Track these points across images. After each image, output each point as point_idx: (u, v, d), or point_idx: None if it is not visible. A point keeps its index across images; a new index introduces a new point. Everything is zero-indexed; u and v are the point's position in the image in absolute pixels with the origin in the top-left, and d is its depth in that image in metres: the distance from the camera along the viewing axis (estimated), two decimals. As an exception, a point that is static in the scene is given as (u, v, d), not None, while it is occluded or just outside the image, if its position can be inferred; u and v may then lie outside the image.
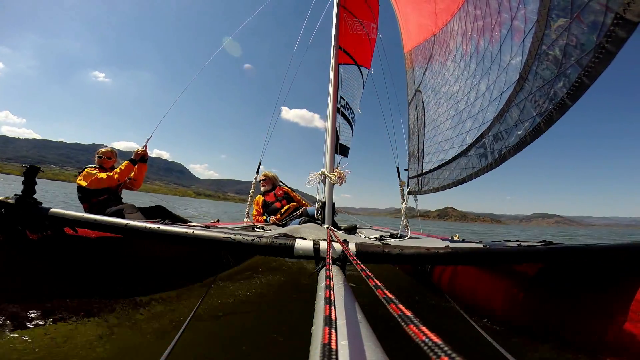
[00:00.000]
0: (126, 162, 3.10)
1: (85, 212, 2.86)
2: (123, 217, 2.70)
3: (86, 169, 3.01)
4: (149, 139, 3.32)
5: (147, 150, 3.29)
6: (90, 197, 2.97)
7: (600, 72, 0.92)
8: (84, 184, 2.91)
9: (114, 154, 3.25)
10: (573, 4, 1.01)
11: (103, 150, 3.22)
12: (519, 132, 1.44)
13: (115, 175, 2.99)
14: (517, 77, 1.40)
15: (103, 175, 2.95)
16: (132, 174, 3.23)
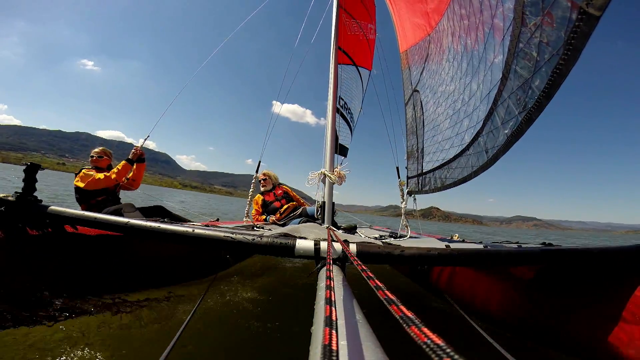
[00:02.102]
0: (123, 162, 3.06)
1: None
2: (122, 216, 2.69)
3: (83, 170, 2.98)
4: (145, 139, 3.27)
5: (138, 144, 3.24)
6: (88, 199, 2.94)
7: (569, 70, 0.90)
8: (81, 185, 2.88)
9: (106, 154, 3.21)
10: (544, 1, 0.99)
11: (96, 150, 3.16)
12: (506, 131, 1.42)
13: (113, 176, 2.95)
14: (500, 75, 1.38)
15: (100, 175, 2.92)
16: (130, 174, 3.20)
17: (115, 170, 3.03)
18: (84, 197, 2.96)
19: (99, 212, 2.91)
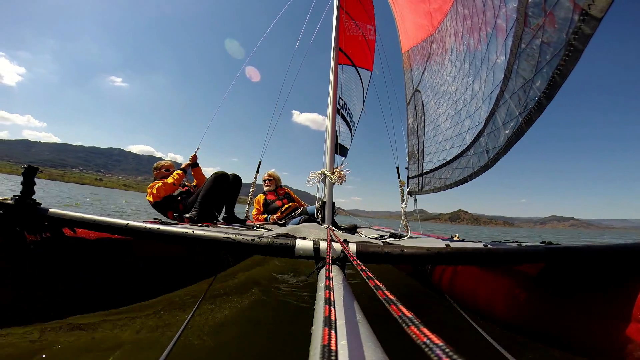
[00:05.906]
0: (177, 170, 3.42)
1: (171, 218, 3.21)
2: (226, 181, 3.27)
3: (149, 187, 3.24)
4: (197, 149, 3.76)
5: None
6: (165, 209, 3.21)
7: (570, 70, 0.91)
8: (150, 199, 3.16)
9: (172, 166, 3.54)
10: (546, 1, 1.00)
11: (162, 163, 3.48)
12: (507, 132, 1.42)
13: (170, 180, 3.22)
14: (502, 76, 1.38)
15: (159, 183, 3.18)
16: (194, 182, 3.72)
17: (173, 176, 3.31)
18: (162, 208, 3.23)
19: (185, 210, 3.13)
